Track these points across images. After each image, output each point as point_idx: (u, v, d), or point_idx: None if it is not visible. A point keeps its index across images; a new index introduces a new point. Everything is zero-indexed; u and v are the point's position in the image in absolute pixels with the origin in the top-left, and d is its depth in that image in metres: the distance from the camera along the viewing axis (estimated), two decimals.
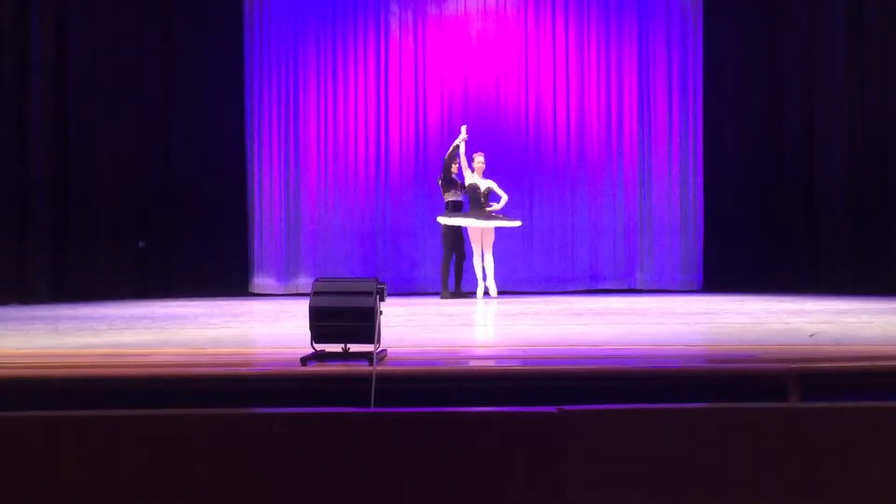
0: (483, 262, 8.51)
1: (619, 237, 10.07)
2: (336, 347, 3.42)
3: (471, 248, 8.62)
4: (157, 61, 9.68)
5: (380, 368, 3.16)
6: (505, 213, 8.62)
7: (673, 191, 10.06)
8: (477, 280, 8.51)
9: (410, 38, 10.29)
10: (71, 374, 3.39)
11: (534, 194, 9.99)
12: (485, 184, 8.53)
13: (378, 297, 3.31)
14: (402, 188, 10.20)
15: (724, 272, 9.66)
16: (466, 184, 8.53)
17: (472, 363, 3.70)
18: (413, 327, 5.24)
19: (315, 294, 3.38)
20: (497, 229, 8.65)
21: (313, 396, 3.26)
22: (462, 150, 8.52)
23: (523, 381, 3.33)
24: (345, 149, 10.32)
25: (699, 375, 3.35)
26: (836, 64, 8.91)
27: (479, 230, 8.45)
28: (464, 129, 8.63)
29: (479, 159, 8.59)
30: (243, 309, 7.33)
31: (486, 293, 8.46)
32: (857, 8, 8.78)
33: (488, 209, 8.49)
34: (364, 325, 3.29)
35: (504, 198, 8.61)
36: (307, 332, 3.41)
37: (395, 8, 10.28)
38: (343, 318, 3.31)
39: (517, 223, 8.68)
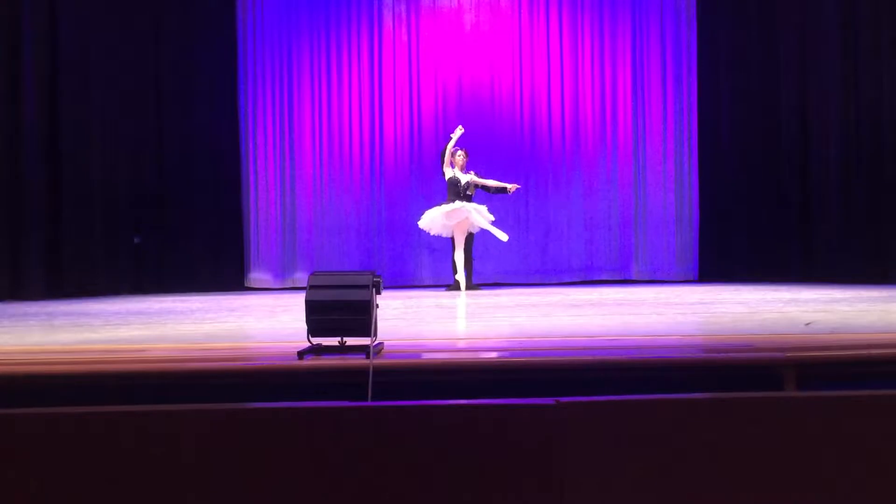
0: (454, 256, 8.59)
1: (615, 228, 10.06)
2: (332, 341, 3.42)
3: (475, 240, 8.76)
4: (150, 57, 9.62)
5: (376, 362, 3.16)
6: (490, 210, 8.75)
7: (668, 181, 10.05)
8: (456, 272, 8.54)
9: (404, 32, 10.25)
10: (67, 370, 3.38)
11: (529, 186, 9.96)
12: (465, 178, 8.62)
13: (374, 290, 3.31)
14: (397, 181, 10.18)
15: (719, 262, 9.66)
16: (447, 178, 8.60)
17: (469, 355, 3.71)
18: (409, 320, 5.24)
19: (311, 288, 3.38)
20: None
21: (310, 390, 3.26)
22: (450, 146, 8.60)
23: (520, 373, 3.33)
24: (339, 142, 10.29)
25: (696, 365, 3.36)
26: (831, 53, 8.88)
27: (455, 224, 8.50)
28: (459, 128, 8.69)
29: (459, 153, 8.65)
30: (239, 303, 7.32)
31: (456, 287, 8.47)
32: None
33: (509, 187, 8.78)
34: (360, 318, 3.29)
35: (496, 183, 8.75)
36: (303, 326, 3.40)
37: (388, 0, 10.25)
38: (339, 311, 3.31)
39: (502, 235, 8.68)
